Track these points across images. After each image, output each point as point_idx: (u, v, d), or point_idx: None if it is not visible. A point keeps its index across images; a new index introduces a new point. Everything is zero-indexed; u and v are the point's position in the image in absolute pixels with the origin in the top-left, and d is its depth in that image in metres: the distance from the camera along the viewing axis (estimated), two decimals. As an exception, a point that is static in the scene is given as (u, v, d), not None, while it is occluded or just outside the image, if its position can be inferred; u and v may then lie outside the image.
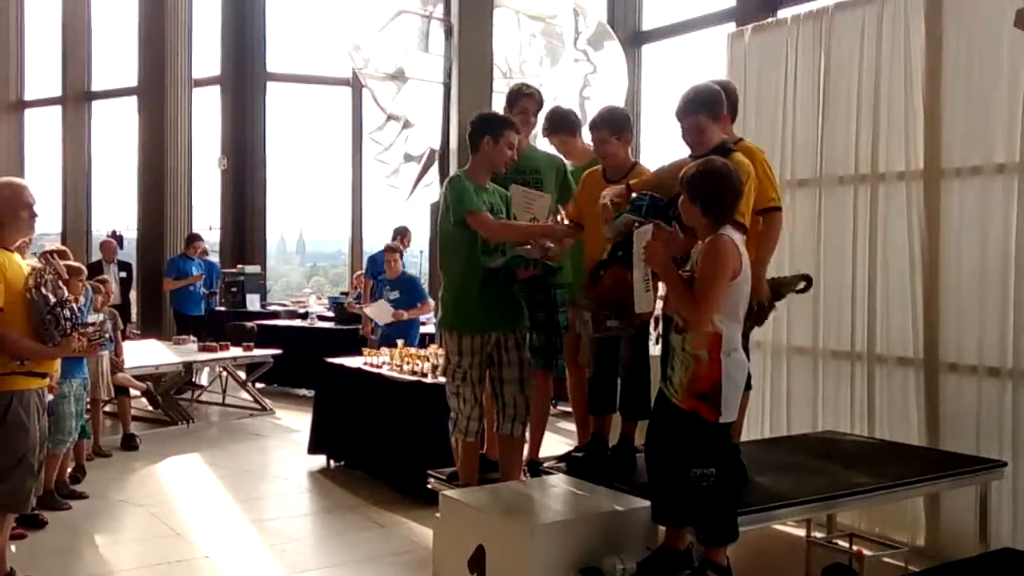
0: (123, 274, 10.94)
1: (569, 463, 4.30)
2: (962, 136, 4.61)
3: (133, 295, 11.70)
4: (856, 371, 5.04)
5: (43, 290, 3.91)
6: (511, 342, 4.19)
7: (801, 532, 4.52)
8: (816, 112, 5.24)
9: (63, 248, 5.21)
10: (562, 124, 4.72)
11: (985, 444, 4.48)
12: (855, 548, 3.89)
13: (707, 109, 3.69)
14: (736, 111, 4.17)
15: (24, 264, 4.03)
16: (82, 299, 5.31)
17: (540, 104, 4.67)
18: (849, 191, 5.08)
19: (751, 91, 5.41)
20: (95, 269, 9.44)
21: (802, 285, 4.11)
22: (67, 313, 3.94)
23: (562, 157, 4.67)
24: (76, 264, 5.31)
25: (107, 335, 4.54)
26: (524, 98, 4.61)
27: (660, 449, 3.36)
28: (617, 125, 4.30)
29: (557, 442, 5.65)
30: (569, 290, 4.42)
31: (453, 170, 7.21)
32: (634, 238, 3.49)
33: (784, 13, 6.70)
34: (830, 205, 5.18)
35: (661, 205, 3.66)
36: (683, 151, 3.82)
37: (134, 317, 11.79)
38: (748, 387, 3.60)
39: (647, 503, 3.47)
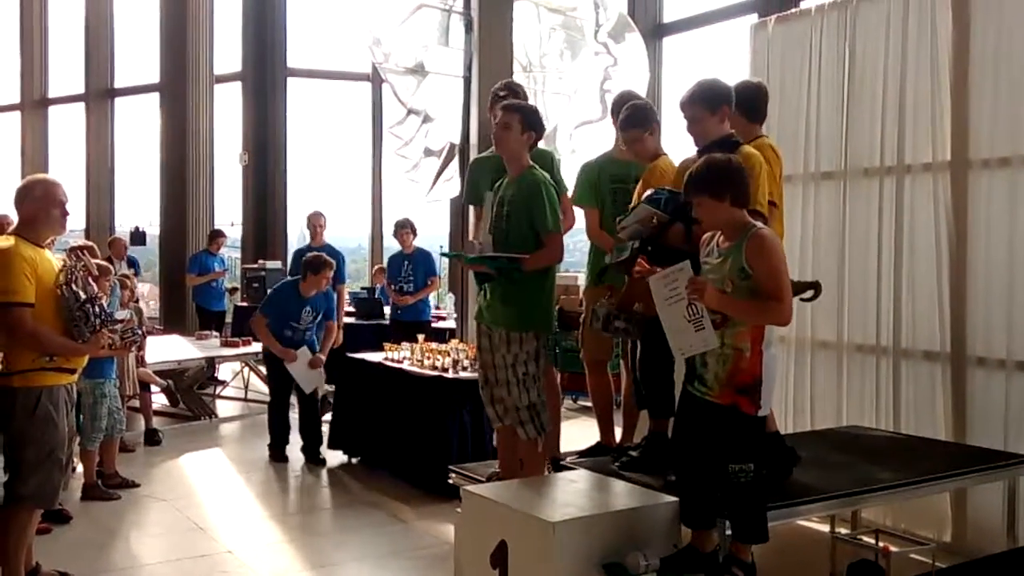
0: (131, 271, 11.01)
1: (626, 461, 4.06)
2: (990, 127, 4.54)
3: (144, 289, 11.79)
4: (881, 365, 4.98)
5: (73, 287, 3.91)
6: (484, 341, 4.22)
7: (825, 528, 4.49)
8: (841, 103, 5.18)
9: (91, 244, 5.20)
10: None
11: (1013, 439, 4.42)
12: (881, 544, 3.84)
13: (701, 100, 3.67)
14: (762, 112, 4.12)
15: (55, 260, 4.05)
16: (110, 297, 5.35)
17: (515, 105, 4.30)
18: (875, 183, 5.02)
19: (774, 83, 5.35)
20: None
21: (809, 294, 3.84)
22: (96, 310, 3.94)
23: (551, 151, 4.61)
24: (104, 263, 5.34)
25: (139, 332, 4.55)
26: (495, 101, 4.53)
27: (692, 448, 3.30)
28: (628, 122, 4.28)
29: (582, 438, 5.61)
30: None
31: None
32: (660, 285, 3.31)
33: (808, 3, 6.63)
34: (855, 197, 5.13)
35: (681, 201, 3.61)
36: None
37: (154, 313, 11.90)
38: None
39: (672, 499, 3.44)
